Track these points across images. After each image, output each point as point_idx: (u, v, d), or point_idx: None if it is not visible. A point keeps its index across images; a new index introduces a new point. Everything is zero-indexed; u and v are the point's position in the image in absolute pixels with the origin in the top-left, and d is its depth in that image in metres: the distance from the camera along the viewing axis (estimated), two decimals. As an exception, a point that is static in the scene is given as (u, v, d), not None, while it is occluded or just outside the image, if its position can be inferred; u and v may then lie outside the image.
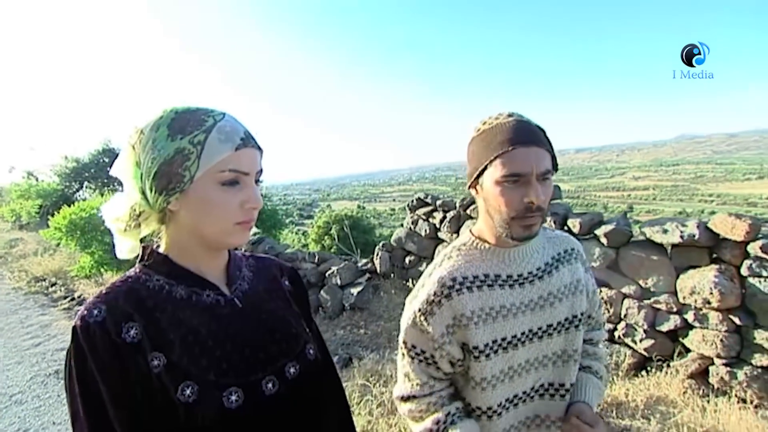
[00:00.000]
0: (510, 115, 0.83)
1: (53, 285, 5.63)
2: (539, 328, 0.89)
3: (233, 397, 0.64)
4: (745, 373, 2.48)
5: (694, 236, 2.67)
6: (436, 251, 4.06)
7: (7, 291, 5.65)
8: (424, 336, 0.87)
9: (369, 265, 4.49)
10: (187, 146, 0.62)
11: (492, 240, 0.89)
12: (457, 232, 3.84)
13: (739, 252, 2.57)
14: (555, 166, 0.84)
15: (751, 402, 2.43)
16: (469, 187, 0.90)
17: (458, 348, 0.87)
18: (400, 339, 0.92)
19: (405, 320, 0.90)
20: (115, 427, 0.58)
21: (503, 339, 0.86)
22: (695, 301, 2.67)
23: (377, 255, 4.42)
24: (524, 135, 0.79)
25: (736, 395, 2.48)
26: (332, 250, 6.75)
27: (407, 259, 4.27)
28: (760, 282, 2.48)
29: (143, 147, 0.64)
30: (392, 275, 4.33)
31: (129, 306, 0.62)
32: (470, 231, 0.94)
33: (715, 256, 2.71)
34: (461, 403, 0.92)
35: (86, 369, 0.58)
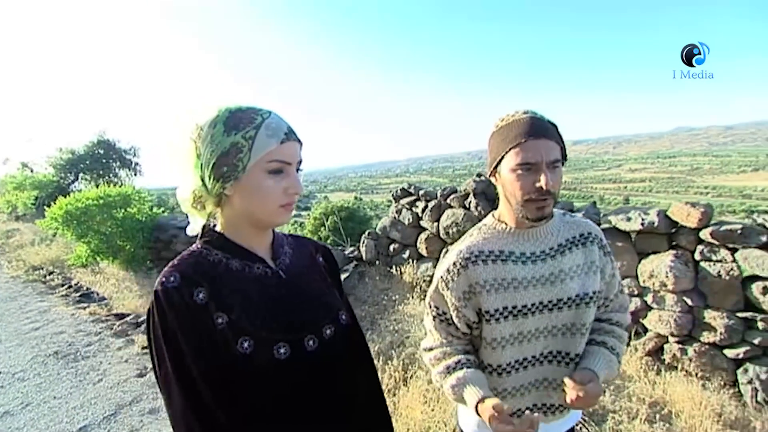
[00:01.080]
0: (525, 113, 0.95)
1: (50, 273, 5.78)
2: (549, 301, 0.99)
3: (282, 350, 0.76)
4: (694, 350, 2.69)
5: (653, 223, 2.85)
6: (419, 239, 4.24)
7: (6, 279, 5.80)
8: (444, 299, 1.03)
9: (356, 253, 4.66)
10: (240, 140, 0.72)
11: (510, 222, 1.02)
12: (438, 220, 4.02)
13: (693, 238, 2.76)
14: (564, 157, 0.96)
15: (696, 375, 2.64)
16: (490, 176, 1.03)
17: (473, 312, 1.01)
18: (426, 300, 1.09)
19: (432, 286, 1.06)
20: (192, 371, 0.69)
21: (514, 307, 0.98)
22: (653, 284, 2.87)
23: (363, 243, 4.60)
24: (536, 129, 0.92)
25: (685, 370, 2.69)
26: (328, 241, 6.91)
27: (391, 247, 4.44)
28: (710, 266, 2.67)
29: (203, 141, 0.74)
30: (377, 262, 4.51)
31: (197, 275, 0.74)
32: (492, 214, 1.07)
33: (674, 242, 2.90)
34: (474, 357, 1.05)
35: (168, 324, 0.70)
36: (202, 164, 0.74)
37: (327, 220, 8.75)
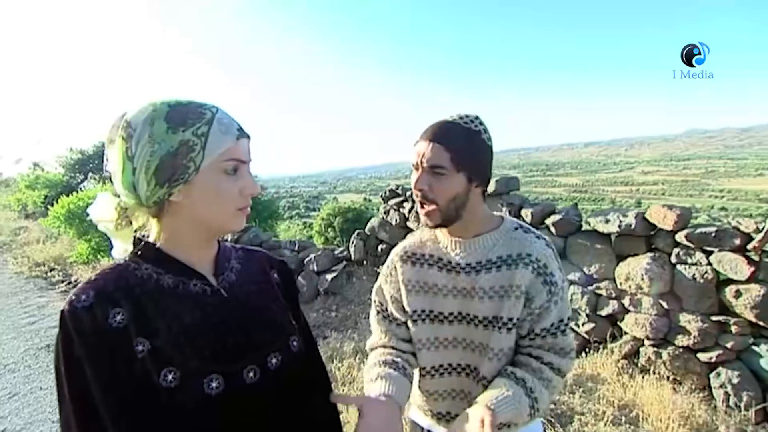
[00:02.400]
0: (450, 116, 0.92)
1: (52, 270, 5.95)
2: (467, 314, 0.98)
3: (213, 384, 0.66)
4: (669, 353, 2.68)
5: (630, 226, 2.85)
6: (406, 240, 4.28)
7: (10, 275, 5.98)
8: (384, 295, 1.06)
9: (345, 253, 4.72)
10: (191, 138, 0.64)
11: (445, 230, 1.00)
12: (423, 221, 4.06)
13: (670, 241, 2.75)
14: (459, 167, 0.88)
15: (668, 378, 2.63)
16: None
17: (402, 310, 1.04)
18: (372, 297, 1.10)
19: (377, 281, 1.10)
20: (100, 410, 0.59)
21: (431, 311, 1.00)
22: (629, 287, 2.87)
23: (352, 243, 4.65)
24: (428, 131, 0.91)
25: (658, 373, 2.68)
26: (336, 242, 6.97)
27: (380, 248, 4.49)
28: (685, 269, 2.66)
29: (137, 141, 0.63)
30: (365, 262, 4.56)
31: (117, 292, 0.64)
32: None
33: (653, 245, 2.89)
34: (410, 358, 1.03)
35: (72, 352, 0.59)
36: (135, 168, 0.64)
37: (334, 221, 8.81)
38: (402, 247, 1.06)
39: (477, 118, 0.93)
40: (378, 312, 1.08)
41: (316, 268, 4.48)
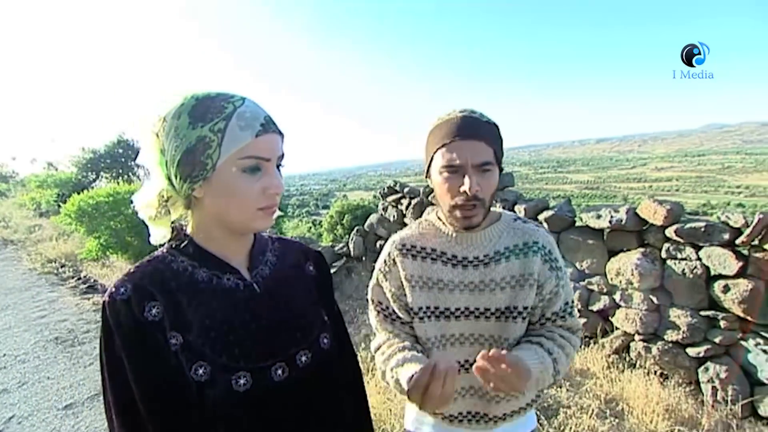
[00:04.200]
0: (462, 111, 0.89)
1: (63, 266, 6.13)
2: (477, 309, 0.94)
3: (242, 381, 0.65)
4: (658, 348, 2.69)
5: (621, 221, 2.86)
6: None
7: (24, 271, 6.18)
8: (384, 292, 0.98)
9: (345, 249, 4.79)
10: (208, 134, 0.62)
11: (448, 222, 0.96)
12: (421, 216, 4.10)
13: (661, 236, 2.75)
14: (498, 160, 0.88)
15: (656, 373, 2.64)
16: (426, 177, 0.97)
17: (405, 307, 0.97)
18: (369, 297, 1.02)
19: (372, 278, 1.02)
20: (136, 402, 0.60)
21: (436, 308, 0.95)
22: (620, 282, 2.88)
23: (352, 239, 4.72)
24: (464, 129, 0.85)
25: (646, 368, 2.70)
26: (344, 239, 7.09)
27: (378, 243, 4.55)
28: (675, 264, 2.67)
29: (166, 135, 0.64)
30: (364, 258, 4.63)
31: (153, 286, 0.64)
32: (436, 211, 1.03)
33: (644, 240, 2.90)
34: (420, 350, 0.95)
35: (112, 344, 0.61)
36: (167, 162, 0.65)
37: (343, 219, 8.89)
38: (399, 239, 0.99)
39: (476, 109, 0.92)
40: (378, 312, 1.00)
41: (315, 264, 4.56)
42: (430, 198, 4.06)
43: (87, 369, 3.13)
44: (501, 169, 0.91)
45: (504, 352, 0.73)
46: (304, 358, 0.73)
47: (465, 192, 0.85)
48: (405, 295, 0.96)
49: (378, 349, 0.98)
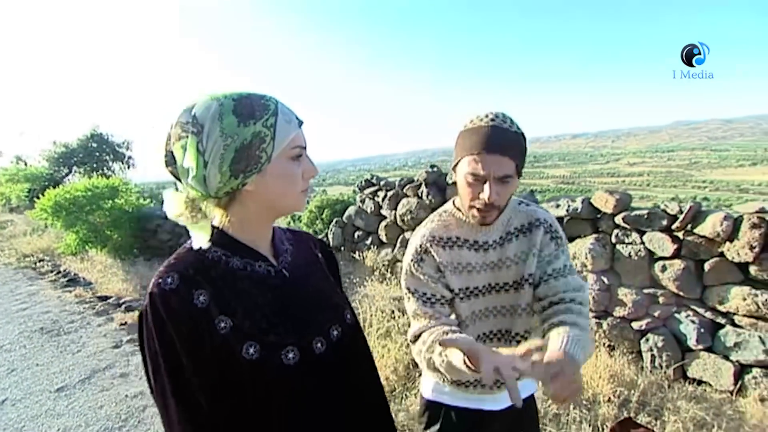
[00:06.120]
0: (493, 119, 0.96)
1: (40, 261, 6.10)
2: (497, 284, 1.09)
3: (290, 355, 0.71)
4: (608, 323, 3.01)
5: (577, 210, 3.17)
6: (380, 226, 4.55)
7: (-1, 266, 6.12)
8: (420, 279, 1.06)
9: (324, 239, 4.98)
10: (262, 129, 0.67)
11: (465, 212, 1.08)
12: (396, 208, 4.33)
13: (611, 223, 3.07)
14: (519, 171, 0.98)
15: (605, 345, 2.97)
16: (453, 169, 1.07)
17: (446, 289, 1.06)
18: (403, 287, 1.09)
19: (403, 272, 1.10)
20: (192, 382, 0.65)
21: (467, 288, 1.07)
22: (576, 265, 3.18)
23: (331, 230, 4.91)
24: (492, 143, 0.93)
25: (597, 341, 3.02)
26: (323, 234, 7.22)
27: (356, 234, 4.76)
28: (623, 248, 2.99)
29: (207, 136, 0.66)
30: (343, 248, 4.83)
31: (197, 275, 0.68)
32: (453, 201, 1.13)
33: (598, 227, 3.21)
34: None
35: (165, 331, 0.64)
36: (207, 162, 0.67)
37: (323, 214, 9.01)
38: (429, 231, 1.09)
39: (507, 116, 0.98)
40: (417, 299, 1.05)
41: (297, 255, 4.73)
42: (405, 190, 4.29)
43: (76, 355, 3.24)
44: (520, 175, 1.01)
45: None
46: (335, 332, 0.80)
47: (484, 199, 0.96)
48: (444, 276, 1.06)
49: (418, 337, 1.02)
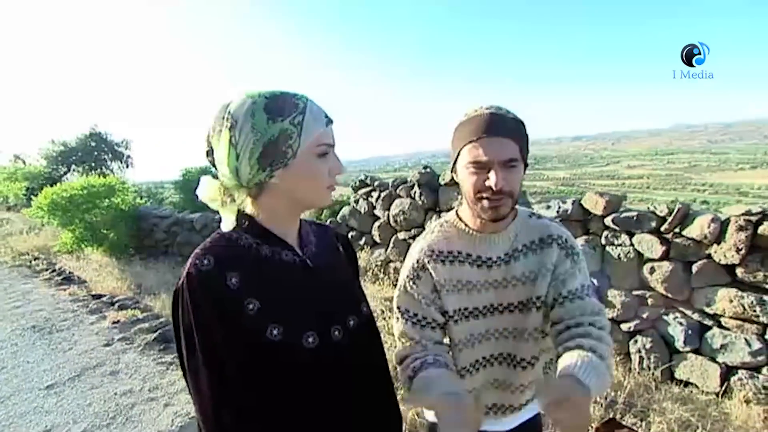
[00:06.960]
0: (488, 108, 0.90)
1: (36, 259, 6.11)
2: (500, 304, 0.99)
3: (311, 339, 0.76)
4: (597, 324, 3.02)
5: (567, 211, 3.18)
6: (373, 227, 4.57)
7: (-6, 265, 6.12)
8: (413, 298, 0.98)
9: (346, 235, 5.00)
10: (288, 127, 0.71)
11: (470, 222, 0.99)
12: (389, 209, 4.35)
13: (601, 225, 3.08)
14: (523, 156, 0.90)
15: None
16: (451, 171, 0.99)
17: (439, 312, 0.98)
18: (395, 304, 1.01)
19: (398, 288, 1.02)
20: (224, 362, 0.69)
21: (466, 308, 0.98)
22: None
23: (326, 231, 4.93)
24: (492, 126, 0.87)
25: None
26: None
27: (350, 235, 4.77)
28: (612, 249, 3.00)
29: (240, 131, 0.71)
30: (337, 249, 4.84)
31: (230, 259, 0.73)
32: (456, 211, 1.03)
33: (589, 229, 3.22)
34: (447, 358, 0.94)
35: (202, 311, 0.69)
36: (238, 155, 0.72)
37: (321, 214, 9.05)
38: (427, 245, 1.00)
39: (503, 107, 0.93)
40: (406, 320, 0.98)
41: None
42: (398, 191, 4.31)
43: (67, 353, 3.25)
44: (526, 165, 0.93)
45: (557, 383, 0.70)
46: (352, 323, 0.84)
47: (490, 187, 0.87)
48: (440, 298, 0.98)
49: (402, 362, 0.95)
